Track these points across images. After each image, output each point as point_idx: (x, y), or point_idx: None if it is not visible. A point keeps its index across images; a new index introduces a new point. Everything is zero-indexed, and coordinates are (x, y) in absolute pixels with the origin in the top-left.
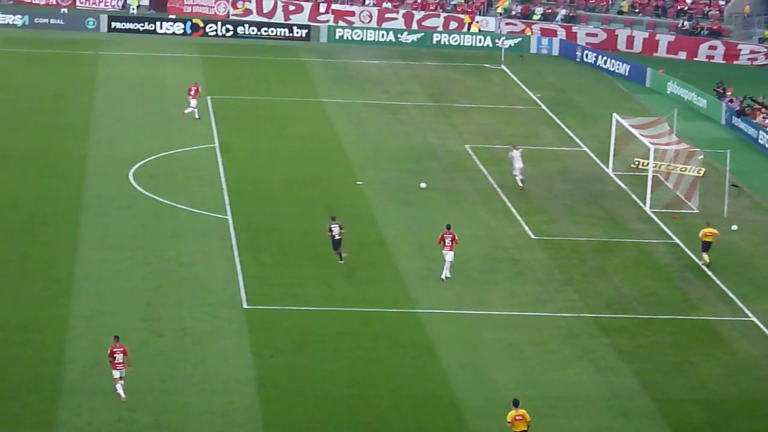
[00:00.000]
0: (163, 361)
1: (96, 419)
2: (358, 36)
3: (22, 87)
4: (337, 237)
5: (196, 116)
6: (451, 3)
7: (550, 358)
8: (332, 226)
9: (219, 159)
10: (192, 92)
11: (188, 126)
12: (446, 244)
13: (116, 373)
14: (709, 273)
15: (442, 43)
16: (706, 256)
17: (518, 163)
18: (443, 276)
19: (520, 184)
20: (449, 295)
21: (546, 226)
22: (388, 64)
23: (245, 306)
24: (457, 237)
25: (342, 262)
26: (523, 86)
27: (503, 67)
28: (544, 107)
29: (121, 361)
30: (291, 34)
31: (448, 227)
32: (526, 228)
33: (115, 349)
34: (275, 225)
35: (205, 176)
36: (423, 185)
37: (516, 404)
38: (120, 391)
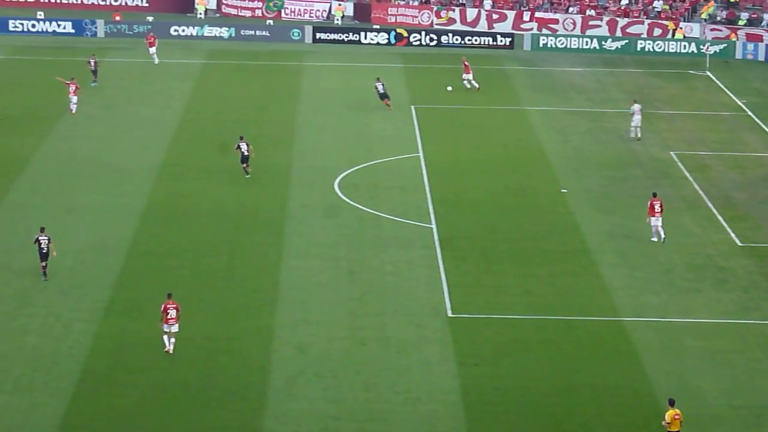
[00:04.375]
0: (368, 369)
1: (301, 427)
2: (562, 44)
3: (228, 98)
4: (246, 153)
5: (468, 86)
6: (655, 10)
7: (755, 366)
8: (240, 144)
9: (423, 168)
10: (467, 67)
11: (391, 136)
12: (656, 211)
13: (167, 328)
14: None
15: (646, 49)
16: None
17: (636, 116)
18: (663, 239)
19: (632, 135)
20: (653, 302)
21: (752, 233)
22: (591, 72)
23: (449, 314)
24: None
25: (248, 176)
26: (728, 92)
27: (708, 73)
28: (749, 113)
29: (174, 317)
30: (494, 43)
31: (655, 195)
32: (732, 235)
33: (168, 306)
34: (478, 233)
35: (408, 185)
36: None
37: (672, 404)
38: (168, 344)
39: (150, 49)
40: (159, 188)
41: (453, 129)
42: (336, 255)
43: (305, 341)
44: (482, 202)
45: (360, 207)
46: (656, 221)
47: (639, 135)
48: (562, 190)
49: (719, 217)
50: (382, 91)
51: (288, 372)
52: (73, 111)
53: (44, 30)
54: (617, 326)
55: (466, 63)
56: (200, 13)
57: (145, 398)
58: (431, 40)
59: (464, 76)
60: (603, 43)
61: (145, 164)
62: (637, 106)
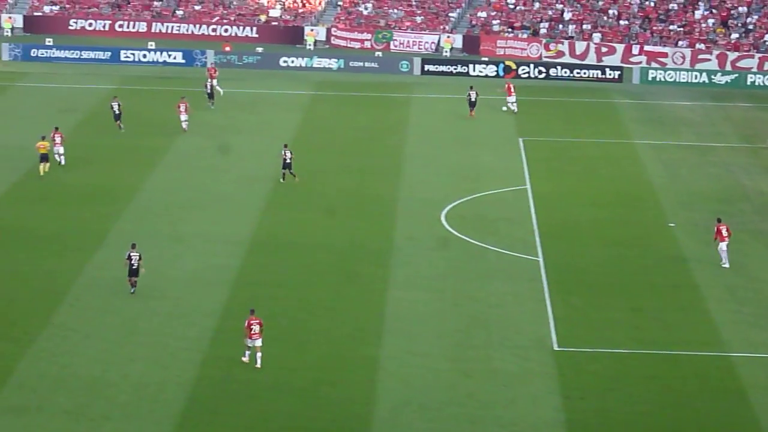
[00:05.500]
0: (472, 402)
1: None
2: (671, 77)
3: (336, 129)
4: (288, 161)
5: (504, 109)
6: (766, 44)
7: None
8: (285, 152)
9: (530, 200)
10: (510, 89)
11: (499, 168)
12: (724, 236)
13: (250, 342)
14: None
15: (756, 84)
16: None
17: None
18: (725, 264)
19: None
20: (761, 338)
21: None
22: (700, 106)
23: (555, 348)
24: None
25: (297, 179)
26: None
27: None
28: None
29: (257, 332)
30: (603, 76)
31: (719, 220)
32: None
33: (252, 322)
34: (585, 266)
35: (515, 218)
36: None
37: None
38: (247, 357)
39: (211, 81)
40: (266, 219)
41: (561, 162)
42: (442, 287)
43: (410, 373)
44: (589, 235)
45: (467, 239)
46: (723, 245)
47: None
48: (670, 224)
49: None
50: (473, 100)
51: (393, 403)
52: (185, 128)
53: (155, 60)
54: (724, 362)
55: (509, 86)
56: (309, 45)
57: (251, 428)
58: (540, 72)
59: (507, 99)
60: (712, 77)
61: (252, 194)
62: None
